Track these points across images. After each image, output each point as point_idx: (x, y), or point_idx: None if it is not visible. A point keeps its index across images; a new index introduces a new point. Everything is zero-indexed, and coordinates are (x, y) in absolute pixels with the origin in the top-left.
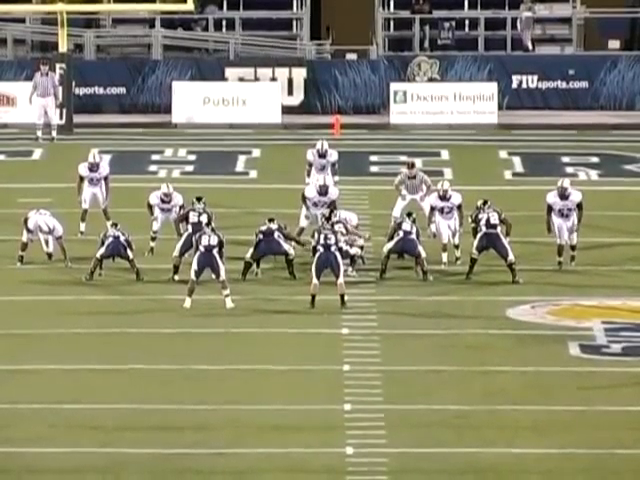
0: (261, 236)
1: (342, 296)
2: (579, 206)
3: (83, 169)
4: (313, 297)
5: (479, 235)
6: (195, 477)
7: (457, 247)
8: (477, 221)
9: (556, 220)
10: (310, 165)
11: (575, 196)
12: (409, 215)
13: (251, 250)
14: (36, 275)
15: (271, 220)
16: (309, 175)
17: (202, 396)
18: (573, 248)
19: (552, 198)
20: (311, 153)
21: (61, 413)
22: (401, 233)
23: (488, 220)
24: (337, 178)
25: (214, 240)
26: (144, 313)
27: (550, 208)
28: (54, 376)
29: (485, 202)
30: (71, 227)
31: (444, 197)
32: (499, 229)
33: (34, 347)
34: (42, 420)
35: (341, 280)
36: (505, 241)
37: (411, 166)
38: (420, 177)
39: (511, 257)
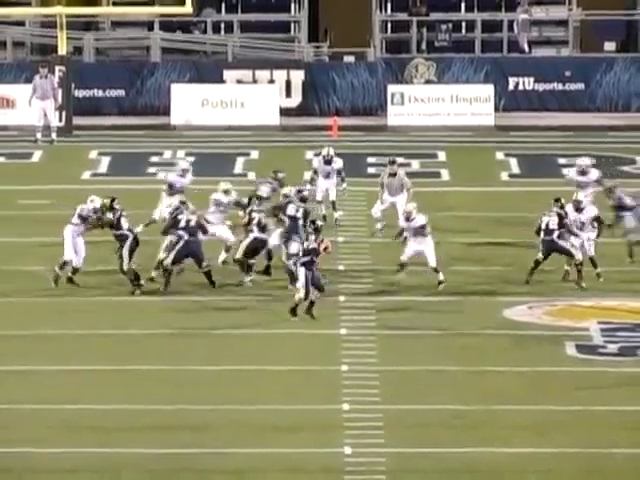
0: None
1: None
2: (597, 220)
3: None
4: (296, 306)
5: (540, 242)
6: (194, 477)
7: (437, 270)
8: (539, 223)
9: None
10: (315, 172)
11: (590, 211)
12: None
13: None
14: (35, 276)
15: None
16: (312, 182)
17: (200, 396)
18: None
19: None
20: (317, 160)
21: (60, 413)
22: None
23: (547, 225)
24: (345, 185)
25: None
26: (142, 313)
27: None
28: (53, 377)
29: (557, 200)
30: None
31: (408, 219)
32: (555, 235)
33: (33, 348)
34: (41, 420)
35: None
36: (565, 243)
37: (392, 162)
38: (400, 177)
39: (579, 256)
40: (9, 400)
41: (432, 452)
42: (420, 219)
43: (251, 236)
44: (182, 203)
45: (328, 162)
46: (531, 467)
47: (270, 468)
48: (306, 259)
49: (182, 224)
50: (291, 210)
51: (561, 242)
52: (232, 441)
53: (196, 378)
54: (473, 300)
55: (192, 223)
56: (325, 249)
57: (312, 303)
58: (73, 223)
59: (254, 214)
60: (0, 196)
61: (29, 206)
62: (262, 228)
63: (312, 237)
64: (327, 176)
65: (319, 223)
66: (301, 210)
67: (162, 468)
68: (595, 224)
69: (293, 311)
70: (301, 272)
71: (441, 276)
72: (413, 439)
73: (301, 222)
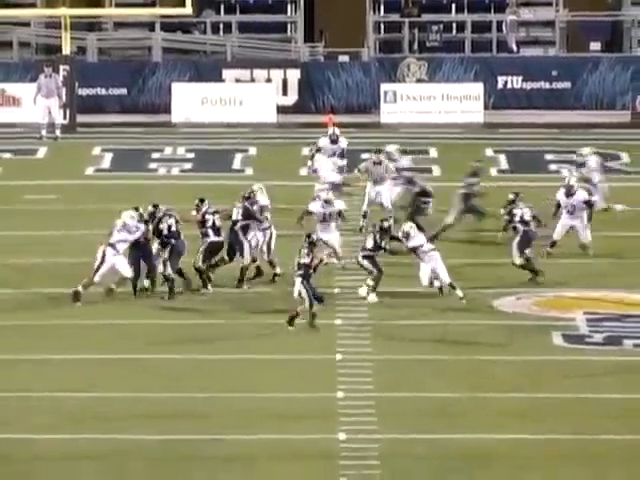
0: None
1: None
2: (587, 203)
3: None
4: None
5: (519, 237)
6: (192, 462)
7: (454, 287)
8: (512, 216)
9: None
10: (318, 150)
11: (580, 195)
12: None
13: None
14: (40, 269)
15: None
16: (312, 159)
17: (198, 385)
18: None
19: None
20: (323, 140)
21: (66, 402)
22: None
23: (522, 217)
24: (345, 161)
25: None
26: (146, 306)
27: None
28: (59, 366)
29: (517, 194)
30: (77, 223)
31: (407, 238)
32: (532, 226)
33: (37, 339)
34: (48, 409)
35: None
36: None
37: (378, 151)
38: (385, 165)
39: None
40: (17, 388)
41: (424, 438)
42: (419, 239)
43: (207, 241)
44: (155, 207)
45: (334, 141)
46: (521, 452)
47: (267, 454)
48: (301, 272)
49: (165, 232)
50: (234, 214)
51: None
52: (229, 428)
53: (196, 367)
54: (463, 291)
55: (173, 228)
56: (320, 262)
57: (314, 315)
58: (120, 240)
59: (208, 216)
60: (7, 191)
61: (35, 201)
62: (217, 230)
63: (304, 251)
64: (332, 154)
65: (314, 237)
66: (240, 211)
67: (164, 455)
68: (586, 207)
69: (291, 320)
70: (299, 284)
71: (461, 293)
72: (406, 425)
73: (240, 224)
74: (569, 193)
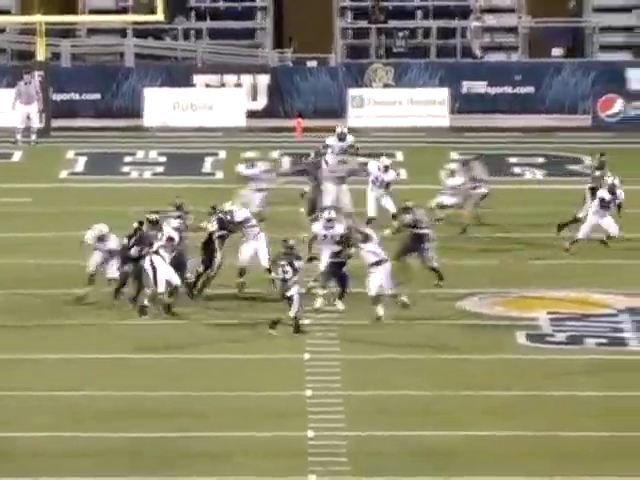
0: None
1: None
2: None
3: None
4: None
5: (433, 241)
6: (187, 460)
7: (395, 296)
8: (416, 223)
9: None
10: (325, 147)
11: (621, 195)
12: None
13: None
14: (34, 270)
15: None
16: (317, 155)
17: (172, 385)
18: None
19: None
20: (331, 138)
21: (65, 401)
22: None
23: (422, 221)
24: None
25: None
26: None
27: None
28: (58, 366)
29: (408, 205)
30: (51, 225)
31: (366, 240)
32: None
33: (38, 338)
34: (47, 408)
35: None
36: None
37: (355, 149)
38: (355, 164)
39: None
40: (15, 387)
41: (392, 435)
42: (372, 246)
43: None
44: (140, 223)
45: (342, 139)
46: (487, 449)
47: (236, 451)
48: (296, 279)
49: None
50: (210, 226)
51: None
52: (201, 426)
53: (181, 367)
54: (426, 292)
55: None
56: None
57: (296, 319)
58: (162, 246)
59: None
60: None
61: (10, 204)
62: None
63: (280, 254)
64: (340, 152)
65: (291, 242)
66: (215, 222)
67: (157, 452)
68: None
69: (274, 324)
70: (295, 291)
71: (380, 310)
72: (373, 423)
73: (217, 234)
74: (612, 191)
